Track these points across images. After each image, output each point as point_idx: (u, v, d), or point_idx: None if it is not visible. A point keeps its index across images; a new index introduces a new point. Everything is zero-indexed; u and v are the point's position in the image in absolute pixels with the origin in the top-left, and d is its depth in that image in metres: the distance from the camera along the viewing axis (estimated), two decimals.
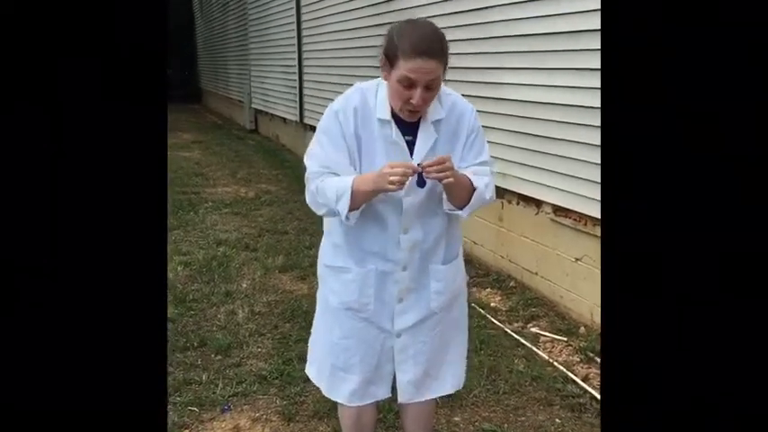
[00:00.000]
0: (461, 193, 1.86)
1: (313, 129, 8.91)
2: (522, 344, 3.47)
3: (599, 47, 3.44)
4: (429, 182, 1.83)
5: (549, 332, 3.65)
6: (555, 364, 3.24)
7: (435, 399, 2.21)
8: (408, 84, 1.72)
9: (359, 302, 1.97)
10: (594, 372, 3.19)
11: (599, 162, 3.57)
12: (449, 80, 1.86)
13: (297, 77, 9.00)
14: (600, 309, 3.67)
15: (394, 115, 1.84)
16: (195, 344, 3.39)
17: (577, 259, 3.82)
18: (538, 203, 4.16)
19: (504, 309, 3.99)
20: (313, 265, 4.67)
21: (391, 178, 1.70)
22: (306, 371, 2.22)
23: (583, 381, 3.08)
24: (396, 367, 2.06)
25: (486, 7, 4.40)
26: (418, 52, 1.69)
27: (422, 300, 1.99)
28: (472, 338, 3.42)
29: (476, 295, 4.15)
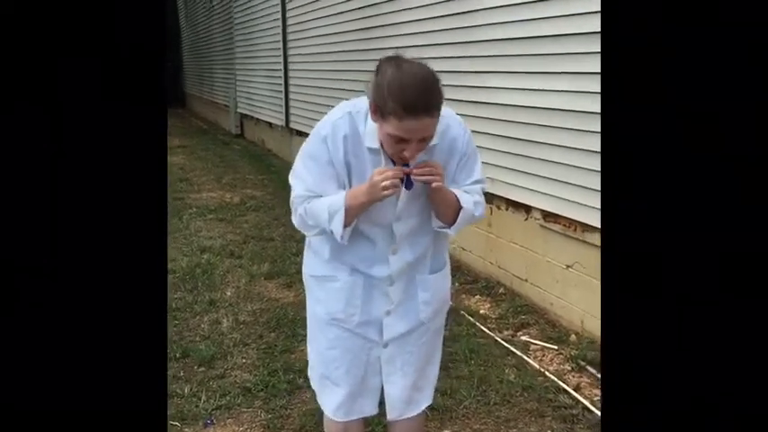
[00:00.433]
0: (447, 210, 1.80)
1: (299, 133, 8.90)
2: (513, 352, 3.41)
3: (588, 50, 3.45)
4: (419, 203, 1.79)
5: (540, 340, 3.59)
6: (546, 373, 3.17)
7: (425, 411, 2.14)
8: (401, 140, 1.62)
9: (345, 312, 1.90)
10: (586, 381, 3.13)
11: (589, 167, 3.55)
12: None
13: (282, 82, 8.92)
14: (590, 316, 3.62)
15: None
16: (177, 355, 3.30)
17: (568, 266, 3.77)
18: (527, 209, 4.11)
19: (493, 316, 3.92)
20: (300, 272, 4.60)
21: (383, 184, 1.63)
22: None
23: (575, 390, 3.02)
24: (384, 379, 1.99)
25: (473, 11, 4.35)
26: (411, 112, 1.56)
27: (410, 311, 1.92)
28: (462, 347, 3.38)
29: (465, 302, 4.09)
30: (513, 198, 4.13)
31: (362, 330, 1.92)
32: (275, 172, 8.45)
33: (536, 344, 3.55)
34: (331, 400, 2.00)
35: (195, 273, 4.52)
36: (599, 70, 3.29)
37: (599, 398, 2.91)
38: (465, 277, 4.53)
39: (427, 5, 4.97)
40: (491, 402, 2.88)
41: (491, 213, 4.45)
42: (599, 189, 3.39)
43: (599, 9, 3.32)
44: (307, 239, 1.98)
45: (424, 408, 2.09)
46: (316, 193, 1.77)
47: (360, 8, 6.31)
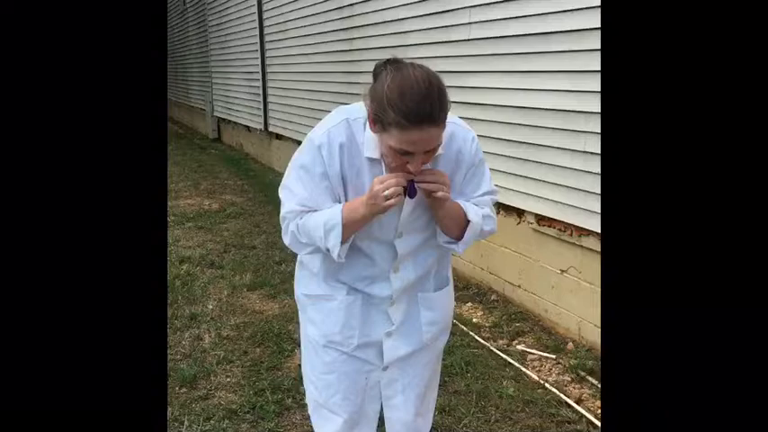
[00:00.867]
0: (453, 224, 1.64)
1: (278, 137, 8.70)
2: (510, 363, 3.27)
3: (584, 48, 3.33)
4: (424, 217, 1.63)
5: (537, 349, 3.46)
6: (546, 385, 3.04)
7: None
8: (405, 153, 1.45)
9: (342, 335, 1.74)
10: (587, 392, 3.00)
11: (585, 169, 3.43)
12: None
13: (261, 84, 8.71)
14: (587, 323, 3.50)
15: None
16: None
17: (563, 271, 3.64)
18: (519, 213, 3.98)
19: (487, 325, 3.78)
20: (284, 281, 4.45)
21: (386, 193, 1.46)
22: None
23: (577, 403, 2.88)
24: (384, 403, 1.85)
25: (455, 9, 4.21)
26: (414, 122, 1.39)
27: (413, 332, 1.77)
28: (457, 360, 3.24)
29: (456, 310, 3.94)
30: (505, 202, 4.00)
31: (361, 353, 1.76)
32: (254, 176, 8.26)
33: (533, 353, 3.41)
34: (327, 428, 1.84)
35: (175, 285, 4.33)
36: (586, 68, 3.28)
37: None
38: (455, 283, 4.38)
39: (408, 4, 4.82)
40: (492, 420, 2.73)
41: None
42: (594, 191, 3.31)
43: (584, 6, 3.26)
44: (299, 256, 1.82)
45: None
46: (309, 207, 1.61)
47: (339, 8, 6.15)
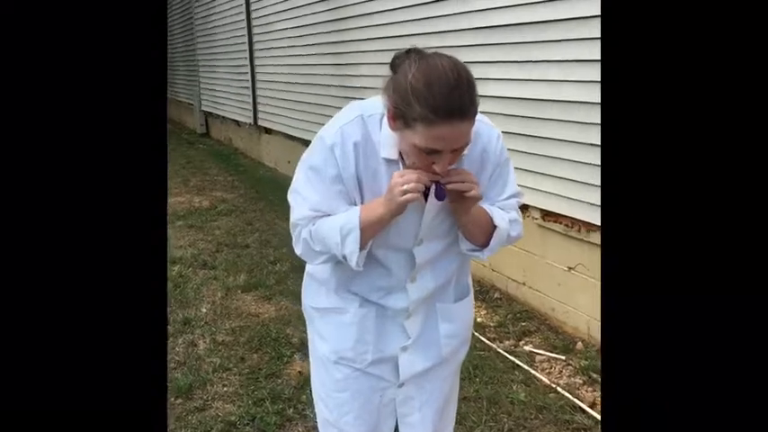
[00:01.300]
0: (478, 230, 1.50)
1: (268, 131, 8.53)
2: (519, 366, 3.15)
3: (589, 36, 3.20)
4: (446, 223, 1.49)
5: (545, 350, 3.33)
6: (558, 389, 2.92)
7: None
8: (431, 152, 1.31)
9: (355, 350, 1.60)
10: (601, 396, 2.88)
11: (591, 162, 3.30)
12: None
13: (249, 77, 8.52)
14: (597, 321, 3.37)
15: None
16: None
17: (570, 268, 3.52)
18: (523, 207, 3.84)
19: (491, 324, 3.66)
20: (279, 282, 4.31)
21: (404, 187, 1.32)
22: None
23: (591, 408, 2.77)
24: (400, 421, 1.71)
25: None
26: (444, 116, 1.24)
27: (431, 346, 1.64)
28: (464, 363, 3.10)
29: None
30: None
31: (375, 370, 1.62)
32: (244, 172, 8.09)
33: (541, 354, 3.29)
34: None
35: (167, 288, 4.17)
36: (584, 57, 3.15)
37: None
38: None
39: None
40: (505, 428, 2.60)
41: None
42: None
43: None
44: (307, 265, 1.68)
45: None
46: (323, 212, 1.45)
47: None
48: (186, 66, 12.32)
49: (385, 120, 1.38)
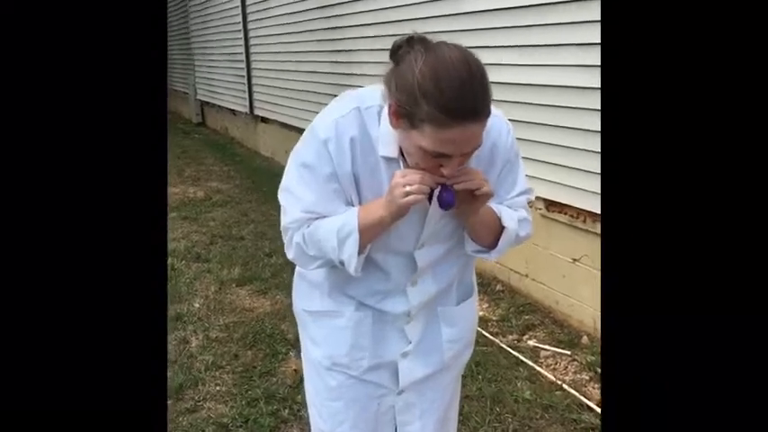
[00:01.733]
0: (486, 231, 1.37)
1: (264, 120, 8.39)
2: (523, 361, 3.03)
3: (591, 18, 3.07)
4: (450, 225, 1.36)
5: (549, 345, 3.22)
6: (564, 386, 2.80)
7: None
8: (439, 155, 1.17)
9: (350, 356, 1.48)
10: None
11: (597, 150, 3.18)
12: None
13: (245, 66, 8.37)
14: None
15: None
16: None
17: (575, 260, 3.40)
18: None
19: (494, 318, 3.54)
20: (275, 275, 4.18)
21: (407, 189, 1.19)
22: None
23: (598, 406, 2.65)
24: (399, 429, 1.60)
25: None
26: (456, 118, 1.10)
27: (433, 351, 1.52)
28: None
29: None
30: None
31: (372, 377, 1.50)
32: (240, 162, 7.96)
33: (546, 349, 3.18)
34: None
35: None
36: (586, 41, 3.01)
37: None
38: None
39: None
40: (509, 429, 2.49)
41: None
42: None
43: None
44: (298, 267, 1.55)
45: None
46: (318, 214, 1.32)
47: None
48: (181, 54, 12.15)
49: (384, 113, 1.24)
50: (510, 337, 3.33)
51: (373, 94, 1.28)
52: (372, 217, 1.26)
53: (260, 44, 7.89)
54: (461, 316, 1.54)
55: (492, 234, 1.37)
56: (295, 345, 3.14)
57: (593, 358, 3.03)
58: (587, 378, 2.91)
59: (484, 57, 1.17)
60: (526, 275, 3.78)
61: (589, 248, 3.30)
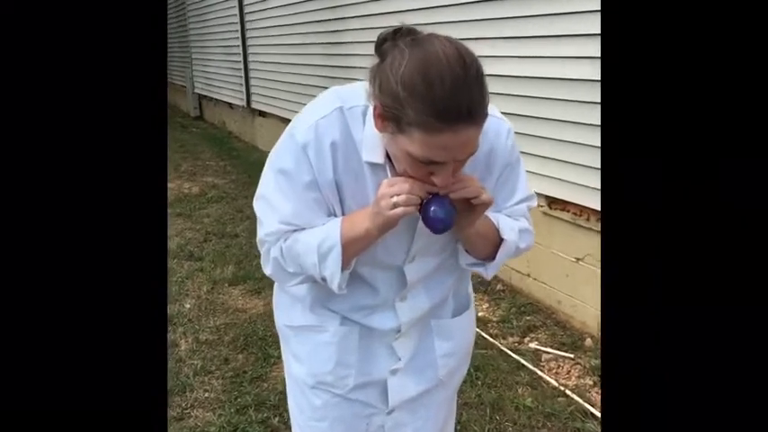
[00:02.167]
0: (482, 243, 1.24)
1: (262, 114, 8.26)
2: (524, 365, 2.92)
3: (592, 8, 2.95)
4: (442, 238, 1.21)
5: (551, 347, 3.11)
6: (567, 392, 2.69)
7: None
8: (431, 162, 1.04)
9: (334, 374, 1.37)
10: None
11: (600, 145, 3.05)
12: None
13: (242, 59, 8.24)
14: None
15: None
16: None
17: (578, 259, 3.28)
18: None
19: (494, 319, 3.43)
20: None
21: (394, 199, 1.06)
22: None
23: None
24: None
25: None
26: (448, 121, 0.97)
27: (425, 367, 1.40)
28: None
29: None
30: None
31: (359, 395, 1.39)
32: (237, 156, 7.84)
33: (548, 352, 3.06)
34: None
35: None
36: (584, 31, 2.89)
37: None
38: None
39: None
40: None
41: None
42: None
43: None
44: None
45: None
46: (296, 226, 1.19)
47: None
48: (179, 47, 12.02)
49: (369, 114, 1.12)
50: (511, 339, 3.21)
51: (358, 92, 1.15)
52: (357, 230, 1.14)
53: (257, 36, 7.76)
54: (457, 329, 1.42)
55: (489, 246, 1.25)
56: None
57: (596, 362, 2.91)
58: (591, 383, 2.79)
59: (478, 48, 1.04)
60: (528, 275, 3.67)
61: (592, 247, 3.19)
